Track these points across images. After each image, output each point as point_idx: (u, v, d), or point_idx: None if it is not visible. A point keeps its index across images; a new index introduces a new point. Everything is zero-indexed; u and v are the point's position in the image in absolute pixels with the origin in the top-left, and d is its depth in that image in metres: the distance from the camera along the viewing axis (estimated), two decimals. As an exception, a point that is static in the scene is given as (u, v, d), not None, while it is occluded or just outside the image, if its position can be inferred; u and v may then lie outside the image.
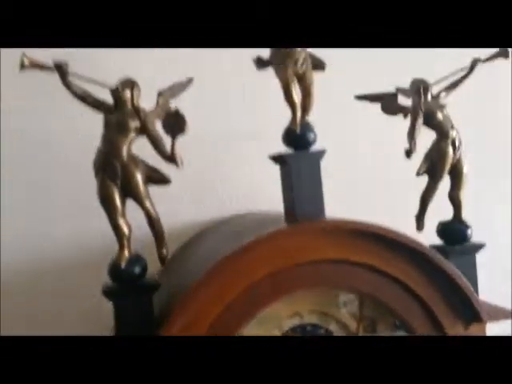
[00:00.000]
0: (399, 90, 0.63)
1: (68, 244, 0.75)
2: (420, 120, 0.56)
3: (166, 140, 0.51)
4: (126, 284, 0.50)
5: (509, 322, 0.56)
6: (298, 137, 0.53)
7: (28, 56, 0.48)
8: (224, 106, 0.78)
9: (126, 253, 0.50)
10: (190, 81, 0.54)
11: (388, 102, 0.60)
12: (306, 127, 0.53)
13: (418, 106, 0.56)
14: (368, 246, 0.52)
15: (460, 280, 0.54)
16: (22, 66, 0.48)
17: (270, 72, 0.54)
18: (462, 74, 0.59)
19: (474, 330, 0.55)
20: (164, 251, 0.53)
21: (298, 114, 0.52)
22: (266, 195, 0.79)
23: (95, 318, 0.71)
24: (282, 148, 0.55)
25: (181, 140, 0.51)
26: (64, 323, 0.73)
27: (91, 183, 0.51)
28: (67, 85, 0.49)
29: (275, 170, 0.56)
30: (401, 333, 0.59)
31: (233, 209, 0.80)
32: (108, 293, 0.50)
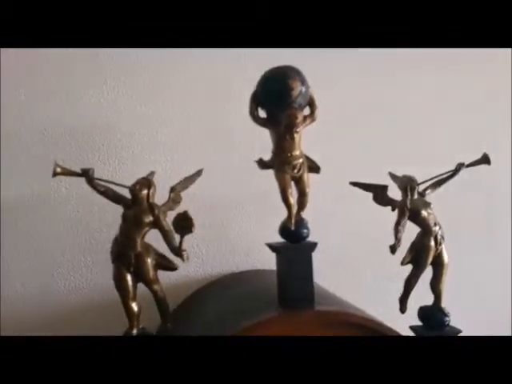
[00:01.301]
0: (392, 176, 0.68)
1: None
2: (405, 218, 0.61)
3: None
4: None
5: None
6: (292, 232, 0.59)
7: (59, 165, 0.56)
8: (230, 173, 0.84)
9: (135, 331, 0.57)
10: (199, 173, 0.61)
11: (379, 193, 0.65)
12: (300, 223, 0.59)
13: (405, 204, 0.62)
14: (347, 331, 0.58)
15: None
16: (55, 174, 0.56)
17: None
18: (447, 175, 0.65)
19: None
20: (169, 325, 0.59)
21: (294, 213, 0.58)
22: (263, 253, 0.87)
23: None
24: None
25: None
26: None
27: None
28: (93, 185, 0.57)
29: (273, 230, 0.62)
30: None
31: (234, 264, 0.87)
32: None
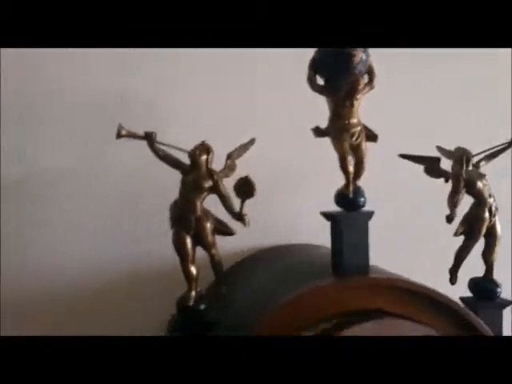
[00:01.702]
0: (439, 149, 0.68)
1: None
2: (462, 188, 0.61)
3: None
4: (193, 320, 0.58)
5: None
6: (350, 200, 0.59)
7: (123, 127, 0.57)
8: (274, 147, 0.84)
9: (193, 293, 0.58)
10: (252, 141, 0.62)
11: (431, 166, 0.65)
12: (358, 192, 0.60)
13: (461, 174, 0.62)
14: (408, 300, 0.59)
15: (486, 332, 0.59)
16: (119, 136, 0.56)
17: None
18: (501, 147, 0.65)
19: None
20: (223, 289, 0.61)
21: (351, 181, 0.59)
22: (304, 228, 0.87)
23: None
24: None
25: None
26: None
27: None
28: (154, 149, 0.57)
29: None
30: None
31: (272, 238, 0.87)
32: (175, 327, 0.58)
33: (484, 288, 0.64)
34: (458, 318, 0.59)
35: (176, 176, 0.62)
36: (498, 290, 0.64)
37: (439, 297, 0.58)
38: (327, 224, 0.62)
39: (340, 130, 0.58)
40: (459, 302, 0.64)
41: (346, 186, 0.59)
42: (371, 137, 0.60)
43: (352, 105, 0.57)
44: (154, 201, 0.82)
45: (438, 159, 0.65)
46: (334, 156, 0.60)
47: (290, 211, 0.87)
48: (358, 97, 0.57)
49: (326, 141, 0.61)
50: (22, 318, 0.79)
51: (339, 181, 0.61)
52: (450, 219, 0.61)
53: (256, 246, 0.86)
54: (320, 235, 0.76)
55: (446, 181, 0.64)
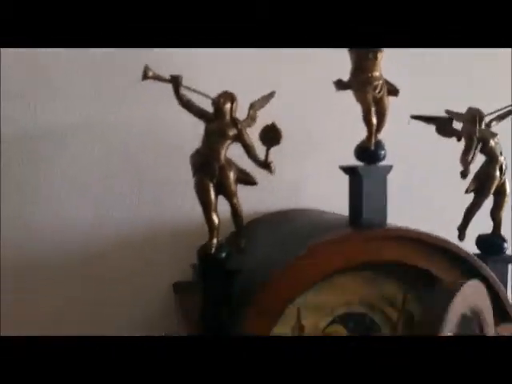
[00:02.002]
0: (449, 113, 0.70)
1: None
2: (475, 146, 0.63)
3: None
4: (215, 267, 0.58)
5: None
6: (371, 153, 0.60)
7: (150, 68, 0.55)
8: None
9: (215, 241, 0.58)
10: (272, 94, 0.62)
11: (443, 125, 0.67)
12: (379, 145, 0.61)
13: (474, 133, 0.64)
14: (421, 251, 0.60)
15: (495, 284, 0.62)
16: (145, 77, 0.55)
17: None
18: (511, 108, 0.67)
19: (502, 330, 0.64)
20: (242, 241, 0.61)
21: (373, 133, 0.60)
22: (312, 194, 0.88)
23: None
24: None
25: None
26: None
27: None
28: (179, 95, 0.57)
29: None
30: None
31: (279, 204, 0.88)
32: (197, 273, 0.58)
33: (492, 244, 0.67)
34: (471, 270, 0.62)
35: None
36: (505, 245, 0.66)
37: (456, 248, 0.61)
38: (333, 190, 0.63)
39: (363, 83, 0.59)
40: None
41: (368, 138, 0.60)
42: (392, 91, 0.61)
43: (375, 57, 0.58)
44: (158, 161, 0.82)
45: (451, 119, 0.67)
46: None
47: (298, 175, 0.88)
48: (381, 50, 0.58)
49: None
50: (22, 282, 0.78)
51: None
52: (464, 175, 0.63)
53: (262, 211, 0.86)
54: (326, 202, 0.78)
55: (459, 139, 0.66)
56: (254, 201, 0.85)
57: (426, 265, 0.61)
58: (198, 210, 0.57)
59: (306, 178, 0.88)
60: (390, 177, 0.62)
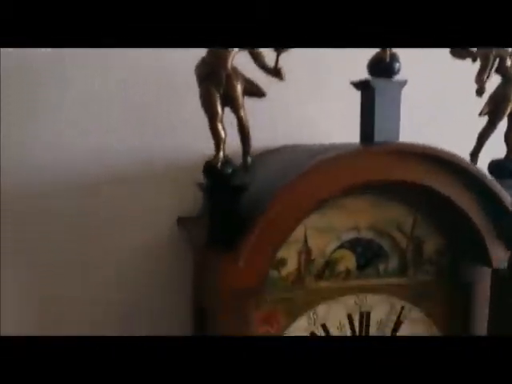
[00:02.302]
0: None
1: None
2: (491, 64, 0.61)
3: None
4: (219, 183, 0.55)
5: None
6: (385, 65, 0.57)
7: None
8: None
9: (221, 155, 0.55)
10: None
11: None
12: (393, 57, 0.58)
13: (490, 52, 0.61)
14: (432, 168, 0.58)
15: (508, 203, 0.60)
16: None
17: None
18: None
19: (515, 255, 0.63)
20: (248, 158, 0.58)
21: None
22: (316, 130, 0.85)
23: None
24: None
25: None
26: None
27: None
28: None
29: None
30: (444, 259, 0.66)
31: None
32: (204, 188, 0.56)
33: (505, 168, 0.65)
34: (485, 190, 0.60)
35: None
36: (519, 169, 0.65)
37: (470, 167, 0.58)
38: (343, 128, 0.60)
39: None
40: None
41: (383, 49, 0.57)
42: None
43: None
44: (159, 97, 0.79)
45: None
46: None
47: (306, 111, 0.85)
48: None
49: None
50: (22, 217, 0.75)
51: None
52: (480, 92, 0.60)
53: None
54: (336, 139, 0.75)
55: (474, 60, 0.63)
56: (261, 137, 0.82)
57: (438, 185, 0.59)
58: (199, 146, 0.55)
59: (315, 114, 0.85)
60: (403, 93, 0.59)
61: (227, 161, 0.56)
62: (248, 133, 0.57)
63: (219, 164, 0.55)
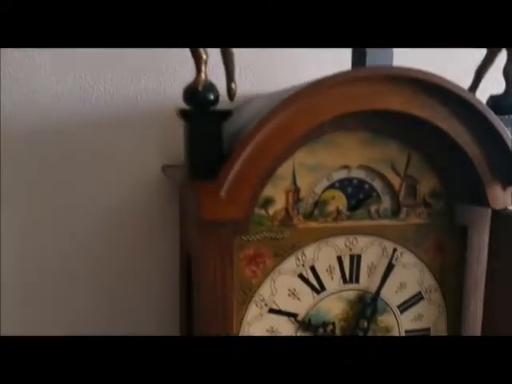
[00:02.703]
0: None
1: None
2: None
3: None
4: (201, 107, 0.52)
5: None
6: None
7: None
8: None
9: (203, 75, 0.52)
10: None
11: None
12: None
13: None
14: (428, 99, 0.55)
15: (504, 134, 0.57)
16: None
17: None
18: None
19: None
20: (233, 85, 0.55)
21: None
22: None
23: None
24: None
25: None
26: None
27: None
28: None
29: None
30: (439, 201, 0.63)
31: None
32: (183, 113, 0.52)
33: (504, 103, 0.62)
34: (485, 125, 0.57)
35: None
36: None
37: (470, 99, 0.55)
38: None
39: None
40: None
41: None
42: None
43: None
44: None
45: None
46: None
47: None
48: None
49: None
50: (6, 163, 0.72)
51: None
52: None
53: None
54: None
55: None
56: (251, 82, 0.79)
57: (433, 118, 0.56)
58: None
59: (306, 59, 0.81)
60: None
61: (210, 86, 0.53)
62: (231, 54, 0.54)
63: (200, 87, 0.51)
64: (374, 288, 0.63)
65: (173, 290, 0.78)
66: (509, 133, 0.57)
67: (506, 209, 0.62)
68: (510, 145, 0.57)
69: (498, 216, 0.62)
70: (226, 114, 0.52)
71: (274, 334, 0.62)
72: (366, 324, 0.63)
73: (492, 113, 0.56)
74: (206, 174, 0.51)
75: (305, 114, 0.53)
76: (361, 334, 0.64)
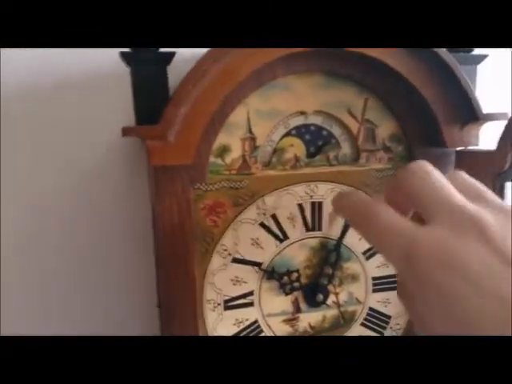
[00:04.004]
0: None
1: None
2: None
3: None
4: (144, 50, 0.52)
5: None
6: None
7: None
8: None
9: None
10: None
11: None
12: None
13: None
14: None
15: (463, 80, 0.57)
16: None
17: None
18: None
19: (469, 131, 0.59)
20: None
21: None
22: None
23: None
24: None
25: None
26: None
27: None
28: None
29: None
30: (399, 144, 0.63)
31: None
32: (125, 56, 0.52)
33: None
34: (439, 65, 0.56)
35: None
36: (475, 42, 0.60)
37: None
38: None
39: None
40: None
41: None
42: None
43: None
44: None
45: None
46: None
47: None
48: None
49: None
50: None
51: None
52: None
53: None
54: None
55: None
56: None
57: (384, 56, 0.56)
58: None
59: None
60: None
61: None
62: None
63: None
64: (336, 235, 0.63)
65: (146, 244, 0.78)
66: (463, 72, 0.56)
67: (465, 149, 0.61)
68: (464, 83, 0.56)
69: (461, 157, 0.62)
70: (169, 56, 0.52)
71: (238, 284, 0.62)
72: (330, 271, 0.64)
73: (446, 51, 0.55)
74: (152, 119, 0.51)
75: (249, 54, 0.52)
76: (326, 281, 0.64)
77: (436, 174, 0.35)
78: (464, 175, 0.37)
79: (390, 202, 0.37)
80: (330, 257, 0.64)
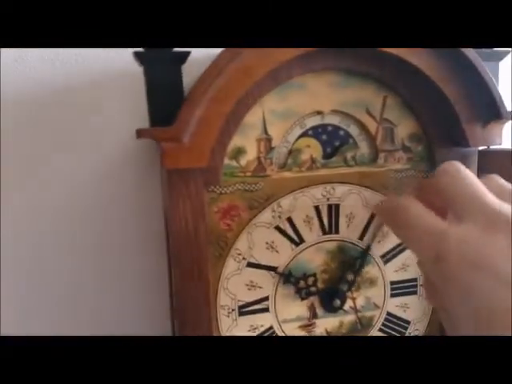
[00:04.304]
0: None
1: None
2: None
3: None
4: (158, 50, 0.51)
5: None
6: None
7: None
8: None
9: (161, 22, 0.50)
10: None
11: None
12: None
13: None
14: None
15: (486, 77, 0.55)
16: None
17: None
18: None
19: (492, 129, 0.57)
20: None
21: None
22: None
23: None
24: None
25: None
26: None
27: None
28: None
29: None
30: (419, 144, 0.61)
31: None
32: (139, 56, 0.51)
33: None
34: (461, 62, 0.54)
35: None
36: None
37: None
38: None
39: None
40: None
41: None
42: None
43: None
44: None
45: None
46: None
47: None
48: None
49: None
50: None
51: None
52: None
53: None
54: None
55: None
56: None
57: (403, 53, 0.54)
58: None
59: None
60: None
61: (168, 30, 0.51)
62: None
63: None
64: (354, 238, 0.61)
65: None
66: (486, 68, 0.54)
67: (488, 148, 0.59)
68: (488, 80, 0.54)
69: (484, 156, 0.60)
70: (184, 56, 0.50)
71: (253, 289, 0.61)
72: (353, 277, 0.62)
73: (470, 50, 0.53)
74: (166, 121, 0.50)
75: (265, 53, 0.51)
76: (345, 288, 0.62)
77: (469, 174, 0.35)
78: (499, 179, 0.36)
79: (422, 202, 0.37)
80: (353, 263, 0.62)
